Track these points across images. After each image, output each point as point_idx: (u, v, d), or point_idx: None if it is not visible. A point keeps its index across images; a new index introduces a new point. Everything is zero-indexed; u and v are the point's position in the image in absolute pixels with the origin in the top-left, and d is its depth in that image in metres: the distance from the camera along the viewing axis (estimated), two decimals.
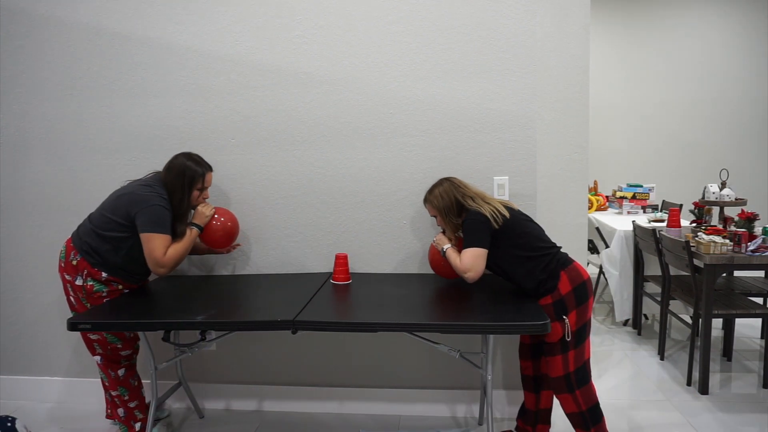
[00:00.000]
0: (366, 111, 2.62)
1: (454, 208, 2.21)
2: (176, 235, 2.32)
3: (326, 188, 2.68)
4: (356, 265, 2.70)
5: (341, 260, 2.49)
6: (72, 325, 2.00)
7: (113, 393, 2.41)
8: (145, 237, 2.23)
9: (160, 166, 2.73)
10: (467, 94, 2.56)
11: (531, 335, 2.27)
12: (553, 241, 2.17)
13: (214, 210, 2.47)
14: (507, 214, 2.10)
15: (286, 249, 2.73)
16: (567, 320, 2.02)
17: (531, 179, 2.58)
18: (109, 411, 2.62)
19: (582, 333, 2.05)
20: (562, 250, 2.28)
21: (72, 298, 2.34)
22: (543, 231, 2.16)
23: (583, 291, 2.05)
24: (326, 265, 2.72)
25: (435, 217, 2.30)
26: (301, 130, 2.66)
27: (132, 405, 2.42)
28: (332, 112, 2.63)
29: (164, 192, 2.31)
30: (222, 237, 2.47)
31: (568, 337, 2.02)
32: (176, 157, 2.38)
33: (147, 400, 2.56)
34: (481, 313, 1.94)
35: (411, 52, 2.57)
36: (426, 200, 2.31)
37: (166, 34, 2.66)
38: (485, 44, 2.53)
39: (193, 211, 2.45)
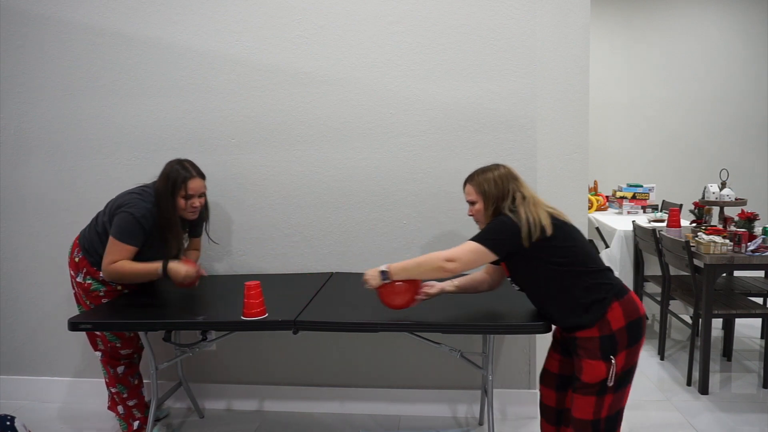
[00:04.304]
0: (366, 111, 2.62)
1: (502, 200, 1.84)
2: (166, 242, 2.26)
3: (326, 188, 2.68)
4: (356, 266, 2.70)
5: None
6: (73, 325, 2.00)
7: (112, 390, 2.43)
8: (108, 240, 2.19)
9: (159, 167, 2.72)
10: (467, 94, 2.56)
11: (561, 365, 1.97)
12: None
13: (191, 274, 2.19)
14: (549, 233, 1.74)
15: (286, 249, 2.73)
16: (614, 361, 1.70)
17: (531, 179, 2.57)
18: (110, 403, 2.63)
19: (626, 377, 1.74)
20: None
21: (76, 294, 2.40)
22: (594, 251, 1.82)
23: (638, 328, 1.74)
24: (326, 265, 2.72)
25: (472, 204, 1.91)
26: (300, 130, 2.66)
27: (130, 403, 2.43)
28: (332, 112, 2.63)
29: (152, 198, 2.24)
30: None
31: (610, 382, 1.70)
32: (169, 162, 2.31)
33: (147, 399, 2.56)
34: (482, 313, 1.94)
35: (411, 52, 2.57)
36: (472, 180, 1.90)
37: (166, 34, 2.66)
38: (485, 44, 2.53)
39: (185, 242, 2.42)
